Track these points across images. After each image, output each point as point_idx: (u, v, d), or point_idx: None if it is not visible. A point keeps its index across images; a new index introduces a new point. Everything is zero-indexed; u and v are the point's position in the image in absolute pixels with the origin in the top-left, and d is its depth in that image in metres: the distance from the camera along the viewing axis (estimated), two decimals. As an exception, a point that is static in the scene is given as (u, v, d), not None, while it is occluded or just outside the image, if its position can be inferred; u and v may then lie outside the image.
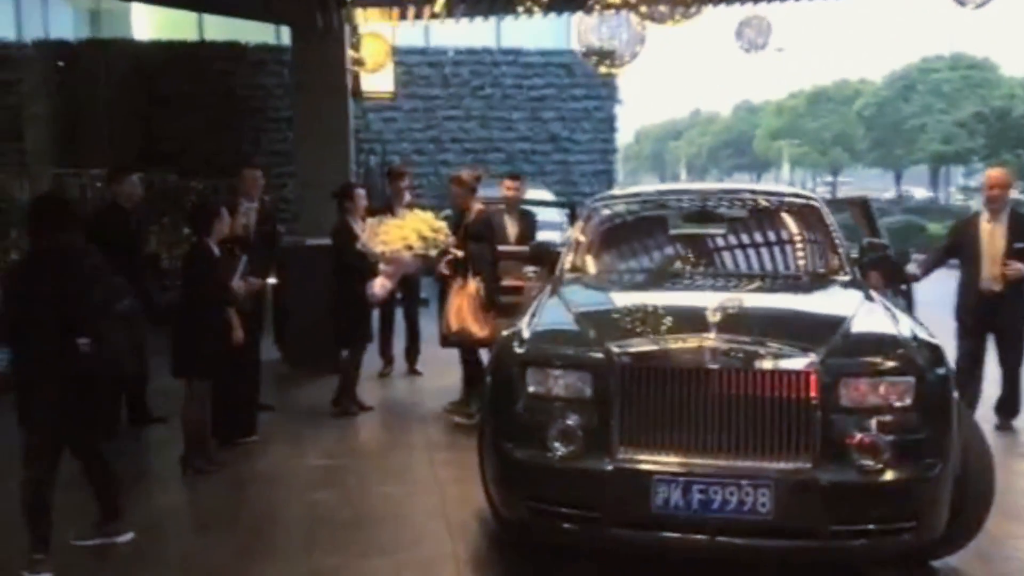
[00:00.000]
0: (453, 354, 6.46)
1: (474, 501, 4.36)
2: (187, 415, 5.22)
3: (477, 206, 6.23)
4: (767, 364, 3.33)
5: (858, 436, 3.24)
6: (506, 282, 6.49)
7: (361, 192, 6.63)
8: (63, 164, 11.62)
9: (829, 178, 49.46)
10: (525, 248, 7.02)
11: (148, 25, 18.17)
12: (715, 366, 3.34)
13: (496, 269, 6.22)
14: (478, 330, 5.97)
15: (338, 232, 6.46)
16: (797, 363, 3.33)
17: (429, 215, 6.21)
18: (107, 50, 15.24)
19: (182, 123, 14.61)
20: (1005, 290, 5.75)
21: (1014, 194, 24.56)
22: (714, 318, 3.57)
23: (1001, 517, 3.88)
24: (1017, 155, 21.48)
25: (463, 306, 5.97)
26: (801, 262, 4.96)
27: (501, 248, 6.70)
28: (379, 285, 6.07)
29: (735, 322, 3.58)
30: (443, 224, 6.15)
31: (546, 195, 13.57)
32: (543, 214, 11.69)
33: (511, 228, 7.14)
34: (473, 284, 6.02)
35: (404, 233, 5.94)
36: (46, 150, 13.74)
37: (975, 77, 34.66)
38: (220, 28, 15.86)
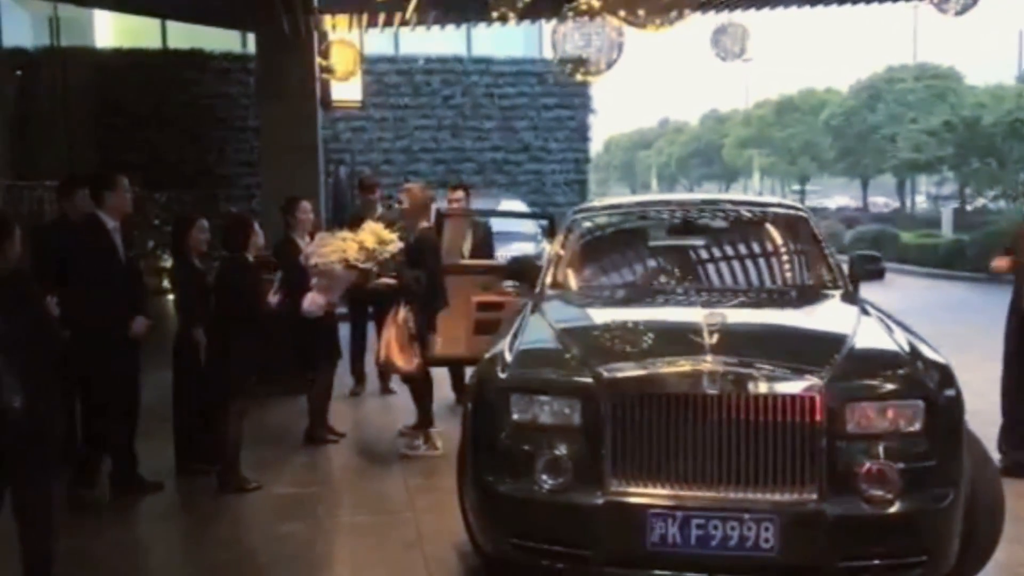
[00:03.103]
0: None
1: (453, 533, 4.10)
2: (228, 434, 4.99)
3: (423, 224, 5.87)
4: (769, 388, 3.11)
5: (866, 465, 3.03)
6: (483, 298, 6.25)
7: (306, 205, 6.29)
8: (19, 176, 11.19)
9: (797, 187, 49.82)
10: (488, 262, 6.82)
11: (109, 33, 17.74)
12: (714, 391, 3.11)
13: (436, 297, 5.74)
14: (403, 363, 5.61)
15: (281, 247, 6.15)
16: (801, 387, 3.11)
17: (380, 227, 5.88)
18: (66, 59, 14.78)
19: (145, 134, 14.23)
20: None
21: (982, 202, 24.60)
22: (710, 338, 3.35)
23: (1009, 543, 3.69)
24: (986, 163, 21.65)
25: (391, 336, 5.64)
26: (792, 275, 4.77)
27: (464, 262, 6.45)
28: (310, 301, 5.67)
29: (732, 342, 3.37)
30: (394, 237, 5.80)
31: (520, 206, 13.37)
32: (518, 226, 11.54)
33: (466, 242, 6.91)
34: (403, 313, 5.64)
35: (345, 245, 5.61)
36: (1, 162, 13.28)
37: (940, 87, 35.02)
38: (184, 36, 15.50)
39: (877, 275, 4.87)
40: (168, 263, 10.23)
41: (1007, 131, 20.44)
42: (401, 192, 6.05)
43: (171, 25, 15.74)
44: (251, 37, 13.52)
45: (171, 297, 7.27)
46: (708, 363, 3.18)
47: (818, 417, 3.06)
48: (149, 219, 11.74)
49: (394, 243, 5.73)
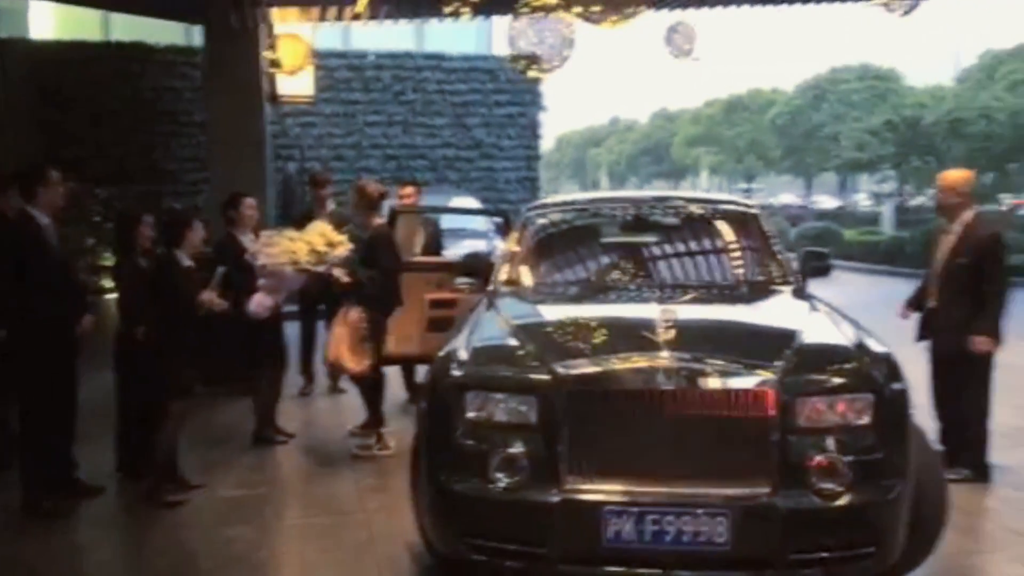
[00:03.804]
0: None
1: (405, 533, 4.05)
2: (160, 440, 4.81)
3: (376, 221, 5.77)
4: (722, 383, 3.13)
5: (817, 458, 3.07)
6: (436, 295, 6.20)
7: (251, 202, 6.12)
8: (-48, 171, 10.78)
9: (743, 185, 50.59)
10: (441, 259, 6.78)
11: (48, 24, 17.23)
12: (669, 387, 3.12)
13: (391, 296, 5.68)
14: (353, 364, 5.54)
15: (222, 246, 5.99)
16: (754, 382, 3.13)
17: (329, 228, 5.78)
18: (2, 50, 14.32)
19: (86, 128, 13.82)
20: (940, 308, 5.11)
21: (921, 200, 25.18)
22: (665, 334, 3.35)
23: (953, 533, 3.77)
24: (926, 162, 22.23)
25: (342, 336, 5.55)
26: (743, 272, 4.82)
27: (418, 260, 6.38)
28: (256, 302, 5.55)
29: (686, 338, 3.38)
30: (343, 238, 5.71)
31: (472, 203, 13.33)
32: (470, 223, 11.50)
33: (417, 239, 6.86)
34: (355, 314, 5.53)
35: (295, 246, 5.50)
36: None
37: (881, 87, 35.91)
38: (127, 28, 15.12)
39: (824, 271, 4.94)
40: (110, 261, 9.99)
41: (946, 130, 21.01)
42: (353, 188, 5.96)
43: (113, 17, 15.35)
44: (196, 30, 13.23)
45: (113, 296, 7.08)
46: (663, 359, 3.19)
47: (771, 412, 3.09)
48: (89, 215, 11.39)
49: (343, 245, 5.63)
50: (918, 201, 26.53)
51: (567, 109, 63.72)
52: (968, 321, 4.92)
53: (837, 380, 3.23)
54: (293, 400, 7.10)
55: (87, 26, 15.65)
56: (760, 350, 3.39)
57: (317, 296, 6.80)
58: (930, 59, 51.57)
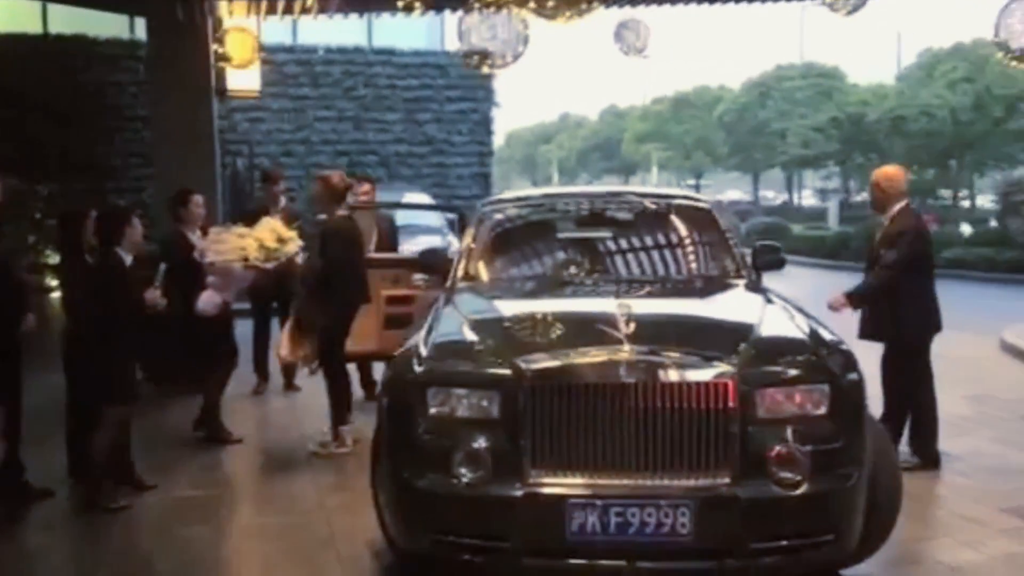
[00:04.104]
0: None
1: (367, 530, 4.02)
2: (98, 444, 4.65)
3: (339, 212, 5.63)
4: (683, 376, 3.15)
5: (776, 448, 3.11)
6: (393, 292, 6.16)
7: (199, 199, 5.98)
8: None
9: (692, 181, 51.18)
10: (398, 255, 6.73)
11: (-17, 15, 16.66)
12: (631, 380, 3.13)
13: (355, 290, 5.57)
14: (285, 351, 5.58)
15: (169, 242, 5.87)
16: (714, 374, 3.17)
17: (280, 224, 5.69)
18: (-65, 42, 13.83)
19: (24, 123, 13.39)
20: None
21: (864, 197, 25.67)
22: (624, 328, 3.37)
23: (905, 519, 3.86)
24: (869, 158, 22.76)
25: (287, 326, 5.61)
26: (698, 266, 4.88)
27: (375, 256, 6.32)
28: (204, 300, 5.44)
29: (647, 332, 3.40)
30: (294, 235, 5.63)
31: (424, 199, 13.27)
32: (424, 219, 11.45)
33: (372, 235, 6.80)
34: (297, 302, 5.54)
35: (244, 243, 5.40)
36: None
37: (825, 85, 36.59)
38: (67, 21, 14.69)
39: (778, 265, 5.02)
40: (52, 259, 9.70)
41: (889, 128, 21.53)
42: (317, 179, 5.84)
43: (52, 8, 14.90)
44: (140, 23, 12.94)
45: (57, 295, 6.88)
46: (624, 352, 3.20)
47: (731, 403, 3.13)
48: (30, 213, 11.06)
49: (293, 241, 5.55)
50: (861, 197, 27.16)
51: (516, 106, 63.77)
52: (894, 311, 5.04)
53: (794, 371, 3.29)
54: (247, 399, 6.99)
55: (25, 18, 15.15)
56: (719, 343, 3.43)
57: (270, 293, 6.70)
58: (872, 57, 52.77)
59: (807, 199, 44.14)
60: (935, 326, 5.18)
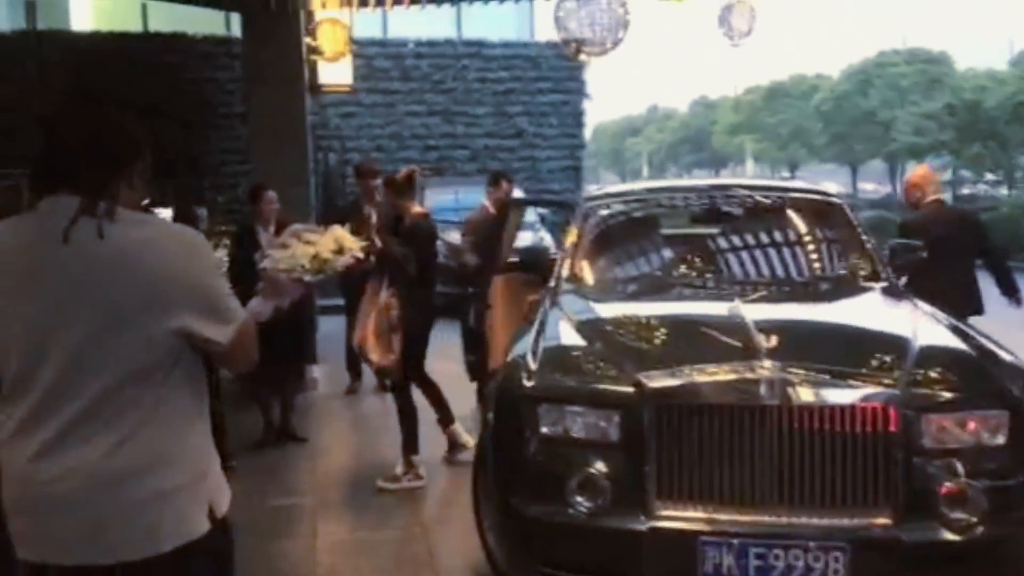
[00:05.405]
0: (436, 365, 5.55)
1: (468, 550, 3.73)
2: None
3: (416, 209, 5.09)
4: (836, 398, 2.74)
5: (946, 484, 2.67)
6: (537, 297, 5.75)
7: (271, 195, 5.78)
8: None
9: (786, 173, 49.60)
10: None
11: (87, 15, 17.16)
12: (773, 401, 2.73)
13: (424, 287, 4.99)
14: (377, 356, 4.91)
15: (240, 238, 5.70)
16: (871, 396, 2.74)
17: (344, 233, 5.27)
18: (43, 42, 14.23)
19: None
20: None
21: (974, 188, 24.31)
22: (763, 341, 2.96)
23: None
24: (987, 146, 21.42)
25: (370, 319, 4.93)
26: (828, 267, 4.41)
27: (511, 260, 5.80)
28: (252, 305, 5.07)
29: (787, 345, 2.99)
30: (356, 244, 5.16)
31: (517, 193, 12.97)
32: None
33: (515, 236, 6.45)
34: (385, 296, 4.90)
35: (301, 251, 5.00)
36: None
37: (933, 71, 34.78)
38: (165, 18, 14.95)
39: (920, 266, 4.50)
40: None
41: (1010, 115, 20.23)
42: (385, 180, 5.38)
43: (152, 6, 15.20)
44: (236, 22, 13.00)
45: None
46: (765, 369, 2.80)
47: (892, 430, 2.70)
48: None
49: (352, 252, 5.15)
50: (975, 189, 25.63)
51: (603, 98, 63.00)
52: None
53: (966, 394, 2.84)
54: (340, 399, 6.82)
55: (126, 17, 15.51)
56: (873, 358, 3.00)
57: (362, 290, 6.47)
58: (980, 43, 50.07)
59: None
60: None
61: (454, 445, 5.25)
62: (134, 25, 15.38)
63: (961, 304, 4.83)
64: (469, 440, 5.06)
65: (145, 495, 1.69)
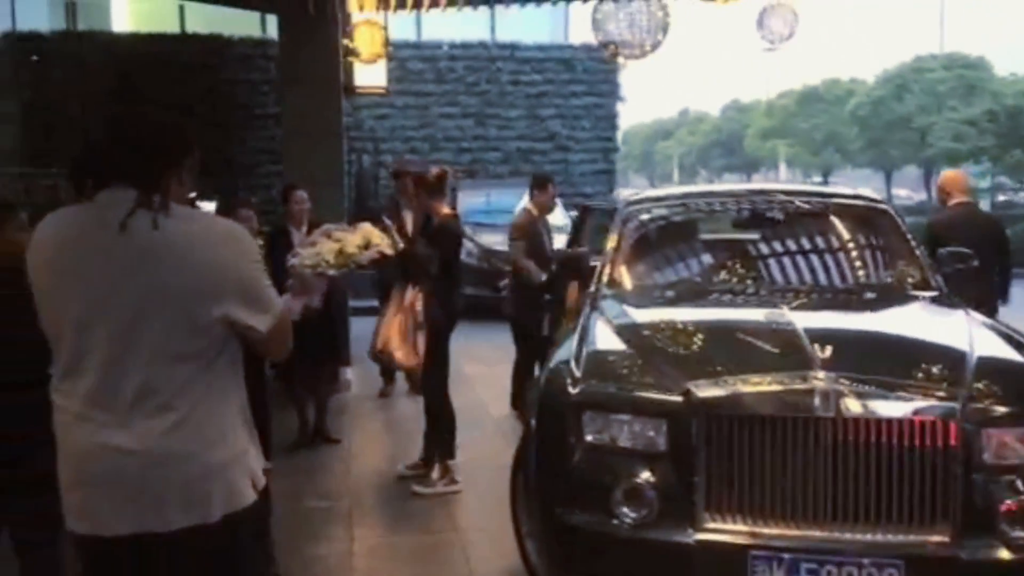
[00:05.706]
0: (467, 368, 5.55)
1: (504, 556, 3.69)
2: None
3: (444, 210, 4.98)
4: (893, 411, 2.66)
5: (1007, 501, 2.58)
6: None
7: (300, 195, 5.80)
8: (33, 163, 10.83)
9: (819, 178, 49.11)
10: None
11: (126, 16, 17.38)
12: (827, 414, 2.66)
13: (448, 284, 4.87)
14: (402, 356, 4.81)
15: (273, 238, 5.66)
16: (930, 408, 2.66)
17: (373, 229, 5.21)
18: (83, 43, 14.43)
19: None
20: None
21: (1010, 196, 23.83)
22: (815, 350, 2.89)
23: None
24: (1030, 153, 21.05)
25: (394, 321, 4.84)
26: (880, 275, 4.31)
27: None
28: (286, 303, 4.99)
29: (842, 354, 2.91)
30: (384, 241, 5.11)
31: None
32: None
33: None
34: (412, 295, 4.80)
35: (326, 247, 4.95)
36: (15, 148, 12.93)
37: (971, 77, 34.22)
38: (202, 20, 15.11)
39: (970, 276, 4.39)
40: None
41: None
42: (416, 179, 5.13)
43: (189, 8, 15.35)
44: (272, 23, 13.09)
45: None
46: (820, 380, 2.72)
47: (951, 444, 2.61)
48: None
49: (380, 247, 5.10)
50: (1016, 196, 25.17)
51: (634, 102, 62.77)
52: None
53: (1029, 408, 2.74)
54: (374, 401, 6.80)
55: (164, 18, 15.68)
56: (930, 370, 2.91)
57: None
58: (1018, 49, 49.23)
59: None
60: None
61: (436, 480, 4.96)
62: (172, 27, 15.55)
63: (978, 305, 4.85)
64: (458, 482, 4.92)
65: (199, 471, 1.83)
